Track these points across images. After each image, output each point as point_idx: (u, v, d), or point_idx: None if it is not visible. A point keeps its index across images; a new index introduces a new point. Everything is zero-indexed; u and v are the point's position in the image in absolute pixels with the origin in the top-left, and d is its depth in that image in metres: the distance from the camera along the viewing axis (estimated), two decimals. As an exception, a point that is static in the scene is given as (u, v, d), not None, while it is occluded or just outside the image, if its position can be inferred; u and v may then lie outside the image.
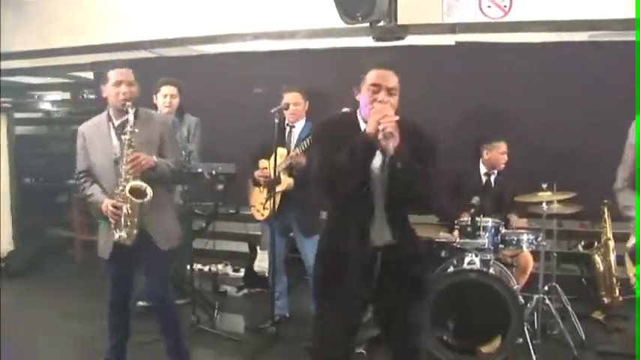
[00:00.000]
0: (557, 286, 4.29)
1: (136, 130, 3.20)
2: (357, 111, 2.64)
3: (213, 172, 4.30)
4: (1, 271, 5.80)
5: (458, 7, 5.09)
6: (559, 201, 4.14)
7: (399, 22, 5.01)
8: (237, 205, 5.31)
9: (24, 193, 6.43)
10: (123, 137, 3.20)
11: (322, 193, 2.64)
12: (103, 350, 3.52)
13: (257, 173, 4.42)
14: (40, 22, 6.47)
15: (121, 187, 3.17)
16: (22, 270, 5.91)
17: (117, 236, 3.21)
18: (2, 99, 6.34)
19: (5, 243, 6.06)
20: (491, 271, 3.80)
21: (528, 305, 4.08)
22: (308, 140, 4.13)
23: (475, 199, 4.00)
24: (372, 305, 2.76)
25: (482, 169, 4.54)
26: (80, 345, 4.19)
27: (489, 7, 5.02)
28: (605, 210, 4.43)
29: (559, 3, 4.77)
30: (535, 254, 4.32)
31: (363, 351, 3.90)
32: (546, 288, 4.21)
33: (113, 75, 3.26)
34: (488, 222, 4.05)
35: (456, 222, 4.22)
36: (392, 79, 2.54)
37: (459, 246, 4.06)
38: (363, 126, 2.55)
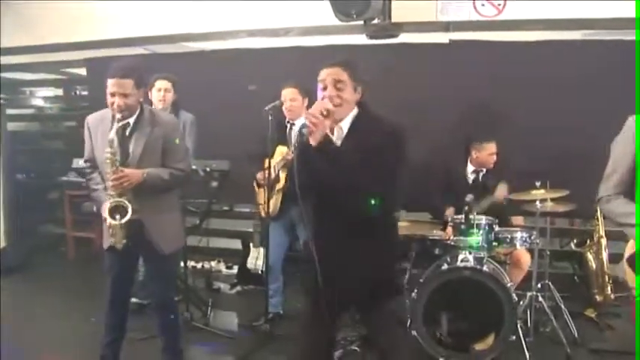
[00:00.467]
0: (550, 283, 4.32)
1: (124, 145, 3.18)
2: None
3: (207, 169, 4.29)
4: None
5: (452, 5, 5.10)
6: (552, 199, 4.16)
7: (393, 20, 5.02)
8: (231, 202, 5.30)
9: (16, 190, 6.39)
10: (114, 146, 3.13)
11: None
12: (98, 347, 3.49)
13: (258, 176, 4.42)
14: (33, 19, 6.43)
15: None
16: (14, 267, 5.87)
17: (110, 241, 3.21)
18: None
19: (-2, 240, 6.03)
20: (484, 268, 3.81)
21: (521, 303, 4.09)
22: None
23: (469, 197, 4.00)
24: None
25: (470, 168, 4.53)
26: (74, 342, 4.17)
27: (483, 5, 5.04)
28: (598, 208, 4.44)
29: (552, 2, 4.79)
30: (530, 252, 4.33)
31: (356, 348, 3.91)
32: (539, 286, 4.22)
33: (109, 83, 3.14)
34: (482, 220, 4.07)
35: (450, 219, 4.23)
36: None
37: (452, 243, 4.07)
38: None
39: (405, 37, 5.10)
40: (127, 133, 3.23)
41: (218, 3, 5.71)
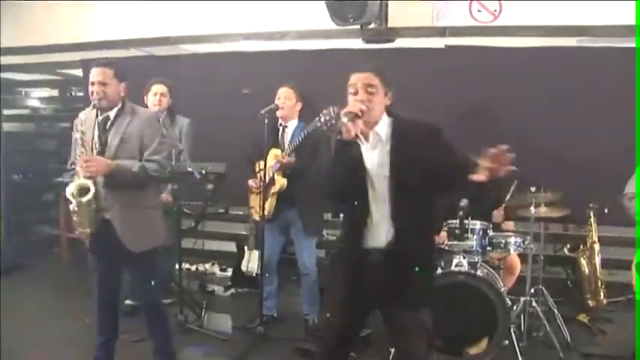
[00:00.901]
0: (544, 288, 4.33)
1: (89, 132, 3.20)
2: None
3: (203, 172, 4.29)
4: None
5: (448, 10, 5.12)
6: (547, 204, 4.18)
7: (390, 24, 5.04)
8: (226, 204, 5.30)
9: (11, 190, 6.37)
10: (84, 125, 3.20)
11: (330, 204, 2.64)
12: (92, 348, 3.50)
13: (250, 183, 4.43)
14: (32, 19, 6.43)
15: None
16: (9, 268, 5.85)
17: (77, 232, 3.25)
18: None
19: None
20: (478, 273, 3.83)
21: (515, 307, 4.11)
22: (298, 140, 4.14)
23: (464, 202, 4.02)
24: (376, 308, 2.74)
25: None
26: (68, 343, 4.15)
27: (479, 11, 5.06)
28: (591, 214, 4.48)
29: (548, 8, 4.81)
30: (522, 257, 4.35)
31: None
32: (533, 290, 4.24)
33: (90, 75, 3.23)
34: (477, 224, 4.08)
35: (444, 224, 4.23)
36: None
37: (447, 248, 4.08)
38: None
39: (401, 42, 5.12)
40: (107, 127, 3.25)
41: (215, 6, 5.72)
